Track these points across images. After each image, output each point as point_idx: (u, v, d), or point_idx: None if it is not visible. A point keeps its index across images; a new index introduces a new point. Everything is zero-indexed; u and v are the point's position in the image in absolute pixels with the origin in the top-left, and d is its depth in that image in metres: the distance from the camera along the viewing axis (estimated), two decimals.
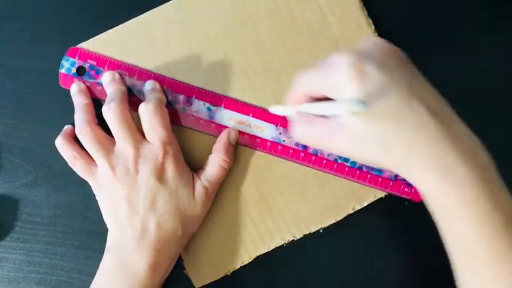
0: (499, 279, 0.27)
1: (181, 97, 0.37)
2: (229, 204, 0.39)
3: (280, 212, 0.39)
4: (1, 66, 0.39)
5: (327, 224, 0.39)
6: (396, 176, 0.38)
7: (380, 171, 0.38)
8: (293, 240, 0.39)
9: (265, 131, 0.38)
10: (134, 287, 0.34)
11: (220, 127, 0.38)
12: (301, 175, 0.38)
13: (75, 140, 0.36)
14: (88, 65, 0.37)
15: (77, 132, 0.35)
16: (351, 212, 0.38)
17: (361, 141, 0.28)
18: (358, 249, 0.39)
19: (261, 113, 0.38)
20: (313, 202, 0.38)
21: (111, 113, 0.34)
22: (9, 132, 0.39)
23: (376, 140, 0.28)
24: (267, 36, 0.38)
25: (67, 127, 0.38)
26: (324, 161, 0.38)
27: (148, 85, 0.37)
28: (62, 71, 0.37)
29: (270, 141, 0.38)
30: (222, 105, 0.38)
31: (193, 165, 0.37)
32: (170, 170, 0.35)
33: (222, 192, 0.38)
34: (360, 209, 0.38)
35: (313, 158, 0.38)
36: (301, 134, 0.31)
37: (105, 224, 0.36)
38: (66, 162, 0.36)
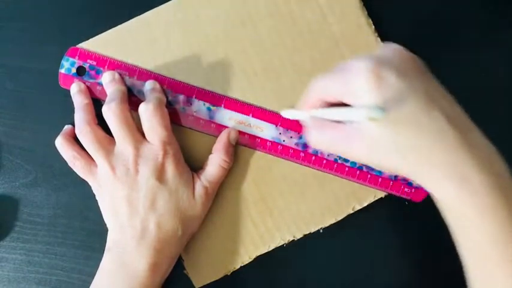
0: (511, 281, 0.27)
1: (181, 97, 0.37)
2: (229, 204, 0.39)
3: (280, 212, 0.39)
4: (1, 66, 0.39)
5: (327, 224, 0.39)
6: (396, 176, 0.38)
7: (380, 171, 0.38)
8: (293, 240, 0.39)
9: (265, 131, 0.38)
10: (134, 287, 0.34)
11: (220, 127, 0.38)
12: (301, 175, 0.38)
13: (75, 140, 0.36)
14: (88, 65, 0.37)
15: (77, 132, 0.35)
16: (351, 212, 0.38)
17: (377, 148, 0.28)
18: (358, 249, 0.39)
19: (261, 113, 0.38)
20: (313, 202, 0.38)
21: (111, 113, 0.34)
22: (9, 132, 0.39)
23: (393, 146, 0.28)
24: (267, 36, 0.38)
25: (67, 127, 0.38)
26: (324, 161, 0.38)
27: (148, 85, 0.37)
28: (62, 71, 0.37)
29: (270, 141, 0.38)
30: (222, 105, 0.38)
31: (193, 165, 0.38)
32: (170, 170, 0.35)
33: (222, 192, 0.38)
34: (360, 209, 0.38)
35: (313, 158, 0.38)
36: (316, 139, 0.31)
37: (105, 224, 0.36)
38: (66, 162, 0.36)
